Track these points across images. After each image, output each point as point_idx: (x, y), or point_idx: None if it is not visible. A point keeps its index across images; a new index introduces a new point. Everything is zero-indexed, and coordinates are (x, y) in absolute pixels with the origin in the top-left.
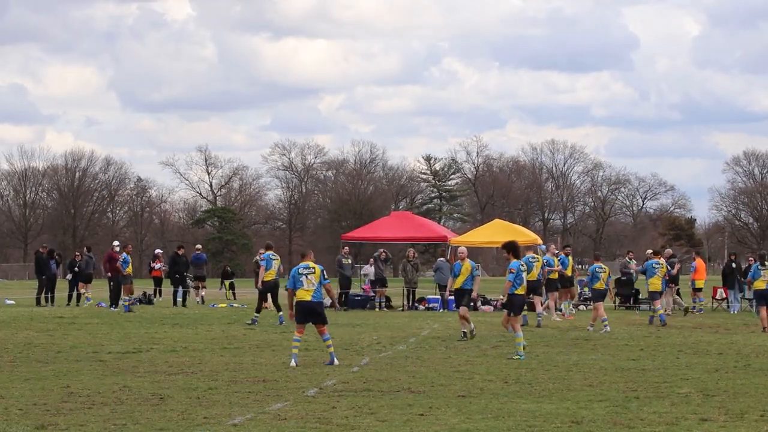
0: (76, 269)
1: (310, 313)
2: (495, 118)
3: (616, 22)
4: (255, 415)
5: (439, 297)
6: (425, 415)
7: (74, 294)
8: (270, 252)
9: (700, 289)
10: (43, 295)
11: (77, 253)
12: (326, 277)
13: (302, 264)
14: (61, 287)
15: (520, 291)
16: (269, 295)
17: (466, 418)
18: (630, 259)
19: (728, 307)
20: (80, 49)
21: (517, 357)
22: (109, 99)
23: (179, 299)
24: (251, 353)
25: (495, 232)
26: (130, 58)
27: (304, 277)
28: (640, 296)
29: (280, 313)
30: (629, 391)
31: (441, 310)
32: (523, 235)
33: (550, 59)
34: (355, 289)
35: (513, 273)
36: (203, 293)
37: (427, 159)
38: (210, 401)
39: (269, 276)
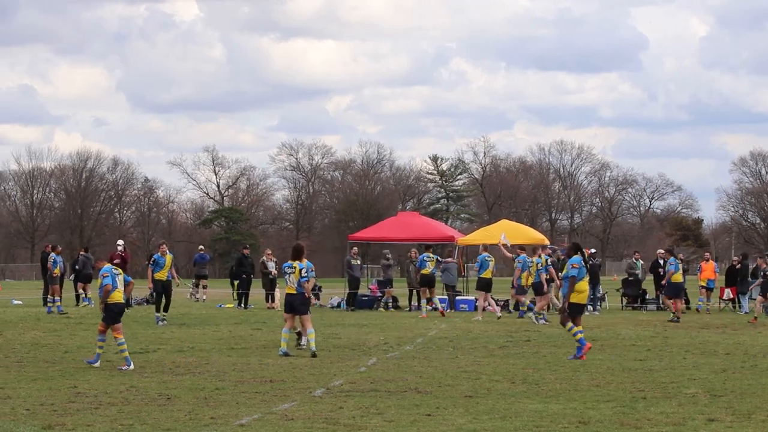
0: (77, 267)
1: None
2: (503, 119)
3: (625, 23)
4: (262, 416)
5: (446, 297)
6: (432, 415)
7: (79, 294)
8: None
9: (710, 290)
10: (49, 296)
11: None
12: (127, 281)
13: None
14: (68, 287)
15: (291, 290)
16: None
17: (473, 419)
18: (637, 260)
19: (739, 307)
20: (89, 50)
21: (281, 354)
22: (118, 100)
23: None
24: (258, 353)
25: (502, 232)
26: (138, 59)
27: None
28: (647, 296)
29: (158, 313)
30: (636, 391)
31: (448, 311)
32: (531, 235)
33: (558, 60)
34: (361, 290)
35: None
36: (204, 296)
37: (434, 159)
38: (217, 401)
39: (162, 275)
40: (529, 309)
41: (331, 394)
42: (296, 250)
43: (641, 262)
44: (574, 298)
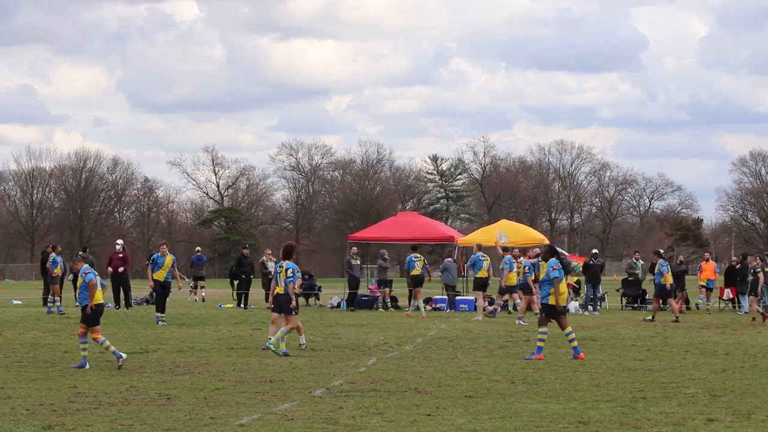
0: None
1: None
2: (503, 119)
3: (625, 23)
4: (262, 416)
5: (445, 297)
6: (432, 415)
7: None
8: (158, 253)
9: (710, 289)
10: (49, 296)
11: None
12: (102, 285)
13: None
14: (67, 287)
15: (280, 290)
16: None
17: (473, 419)
18: (637, 260)
19: (739, 307)
20: (89, 50)
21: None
22: (118, 100)
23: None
24: (258, 353)
25: (498, 231)
26: (138, 59)
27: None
28: (647, 296)
29: (158, 313)
30: (636, 391)
31: (448, 311)
32: (530, 235)
33: (558, 60)
34: (361, 290)
35: None
36: (203, 294)
37: (434, 159)
38: (217, 401)
39: (160, 275)
40: (492, 313)
41: (331, 394)
42: (286, 249)
43: (641, 262)
44: (555, 300)
